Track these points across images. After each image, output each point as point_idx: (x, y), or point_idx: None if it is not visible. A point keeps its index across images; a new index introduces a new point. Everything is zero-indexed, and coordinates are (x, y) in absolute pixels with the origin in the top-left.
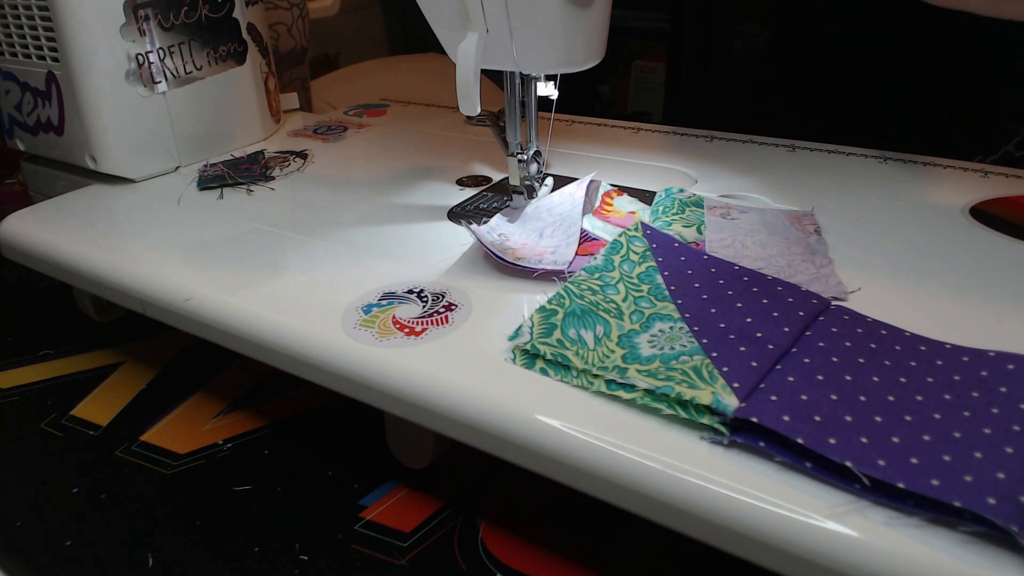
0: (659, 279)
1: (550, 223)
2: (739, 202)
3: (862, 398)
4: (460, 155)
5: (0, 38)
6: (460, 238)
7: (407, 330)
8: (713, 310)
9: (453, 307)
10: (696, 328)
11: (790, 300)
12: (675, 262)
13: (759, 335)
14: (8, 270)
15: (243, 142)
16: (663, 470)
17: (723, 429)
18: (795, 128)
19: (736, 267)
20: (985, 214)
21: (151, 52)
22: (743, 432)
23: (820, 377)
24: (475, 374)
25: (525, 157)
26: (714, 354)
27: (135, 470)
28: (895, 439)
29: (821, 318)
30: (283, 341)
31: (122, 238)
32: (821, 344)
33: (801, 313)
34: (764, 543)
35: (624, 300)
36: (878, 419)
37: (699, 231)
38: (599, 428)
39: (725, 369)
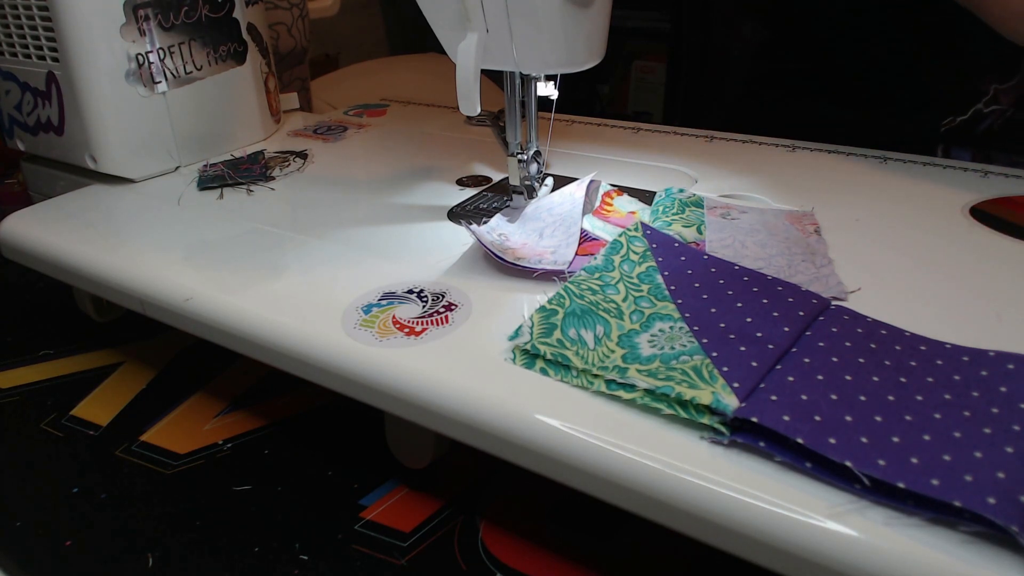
0: (659, 279)
1: (550, 223)
2: (739, 202)
3: (862, 398)
4: (460, 155)
5: (0, 38)
6: (460, 238)
7: (407, 330)
8: (713, 310)
9: (453, 307)
10: (696, 328)
11: (790, 300)
12: (675, 262)
13: (759, 335)
14: (8, 270)
15: (243, 142)
16: (663, 470)
17: (723, 429)
18: (795, 128)
19: (736, 267)
20: (985, 214)
21: (151, 52)
22: (743, 432)
23: (820, 377)
24: (475, 374)
25: (525, 157)
26: (714, 354)
27: (135, 470)
28: (895, 439)
29: (821, 318)
30: (283, 341)
31: (122, 238)
32: (821, 344)
33: (801, 313)
34: (764, 543)
35: (624, 300)
36: (878, 419)
37: (699, 231)
38: (599, 428)
39: (725, 369)
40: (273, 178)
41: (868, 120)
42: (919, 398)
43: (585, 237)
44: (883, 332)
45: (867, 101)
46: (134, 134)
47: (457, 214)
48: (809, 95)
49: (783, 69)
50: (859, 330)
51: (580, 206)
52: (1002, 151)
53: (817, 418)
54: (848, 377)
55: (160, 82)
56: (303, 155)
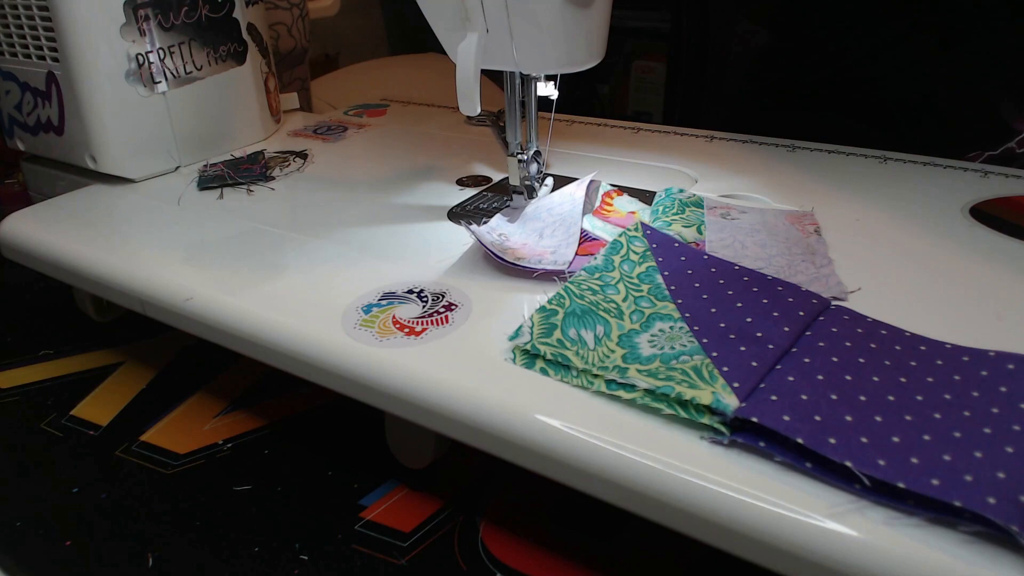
0: (659, 279)
1: (550, 223)
2: (739, 202)
3: (862, 398)
4: (460, 155)
5: (0, 38)
6: (460, 238)
7: (407, 330)
8: (713, 310)
9: (453, 307)
10: (696, 328)
11: (790, 300)
12: (675, 262)
13: (759, 335)
14: (8, 270)
15: (243, 142)
16: (663, 470)
17: (723, 429)
18: (795, 128)
19: (736, 267)
20: (985, 214)
21: (151, 52)
22: (743, 432)
23: (820, 377)
24: (475, 374)
25: (525, 157)
26: (714, 354)
27: (135, 470)
28: (895, 439)
29: (821, 318)
30: (283, 341)
31: (122, 238)
32: (821, 344)
33: (801, 313)
34: (764, 543)
35: (624, 300)
36: (878, 419)
37: (699, 231)
38: (599, 428)
39: (725, 369)
40: (273, 178)
41: (879, 134)
42: (919, 398)
43: (585, 237)
44: (883, 332)
45: (878, 115)
46: (134, 134)
47: (457, 214)
48: (811, 98)
49: (782, 68)
50: (859, 330)
51: (580, 206)
52: None
53: (817, 418)
54: (848, 377)
55: (160, 82)
56: (303, 155)
